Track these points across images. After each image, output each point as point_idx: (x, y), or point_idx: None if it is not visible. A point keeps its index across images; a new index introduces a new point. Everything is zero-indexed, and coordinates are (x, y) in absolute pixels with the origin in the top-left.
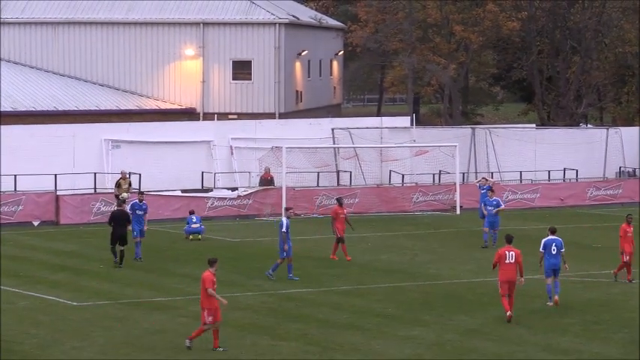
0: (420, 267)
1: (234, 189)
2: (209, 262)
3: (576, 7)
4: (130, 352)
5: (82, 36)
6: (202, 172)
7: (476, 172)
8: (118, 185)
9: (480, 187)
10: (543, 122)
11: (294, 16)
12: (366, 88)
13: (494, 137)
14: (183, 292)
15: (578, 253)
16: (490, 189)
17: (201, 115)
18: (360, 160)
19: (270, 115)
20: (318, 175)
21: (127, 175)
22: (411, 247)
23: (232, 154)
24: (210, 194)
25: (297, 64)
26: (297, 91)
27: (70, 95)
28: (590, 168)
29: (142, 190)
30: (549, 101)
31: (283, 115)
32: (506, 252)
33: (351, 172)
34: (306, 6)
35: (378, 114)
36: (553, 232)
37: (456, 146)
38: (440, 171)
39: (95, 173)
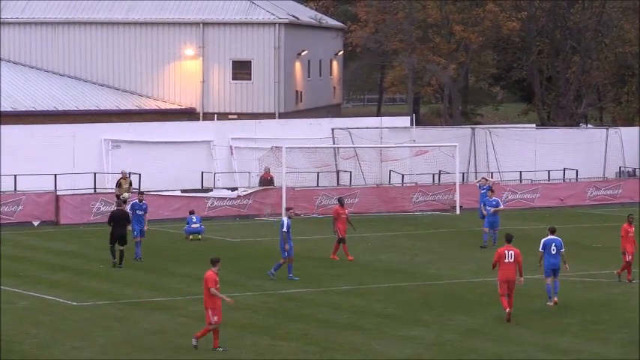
0: (420, 267)
1: (234, 189)
2: (212, 262)
3: (576, 7)
4: (130, 352)
5: (82, 36)
6: (202, 172)
7: (476, 172)
8: (118, 185)
9: (479, 187)
10: (543, 122)
11: (294, 16)
12: (366, 88)
13: (494, 137)
14: (183, 292)
15: (578, 253)
16: (490, 189)
17: (201, 115)
18: (360, 160)
19: (270, 115)
20: (318, 175)
21: (128, 175)
22: (411, 247)
23: (232, 154)
24: (210, 194)
25: (297, 64)
26: (297, 91)
27: (70, 95)
28: (590, 168)
29: (141, 190)
30: (549, 101)
31: (283, 115)
32: (506, 251)
33: (350, 172)
34: (306, 6)
35: (378, 114)
36: (552, 232)
37: (455, 146)
38: (440, 171)
39: (95, 173)
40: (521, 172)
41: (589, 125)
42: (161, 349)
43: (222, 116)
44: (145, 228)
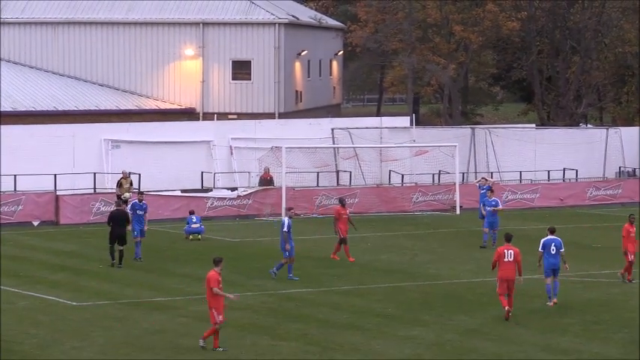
0: (420, 267)
1: (233, 189)
2: (214, 262)
3: (576, 7)
4: (129, 352)
5: (82, 36)
6: (202, 172)
7: (475, 172)
8: (119, 185)
9: (479, 187)
10: (543, 122)
11: (293, 16)
12: (366, 88)
13: (494, 137)
14: (183, 292)
15: (578, 253)
16: (490, 189)
17: (200, 115)
18: (360, 160)
19: (269, 115)
20: (318, 175)
21: (128, 175)
22: (411, 247)
23: (232, 154)
24: (209, 194)
25: (297, 64)
26: (296, 91)
27: (70, 95)
28: (590, 168)
29: (141, 190)
30: (549, 101)
31: (283, 115)
32: (505, 250)
33: (350, 172)
34: (306, 6)
35: (378, 114)
36: (552, 231)
37: (455, 146)
38: (440, 171)
39: (95, 173)
40: (521, 172)
41: (589, 125)
42: (161, 349)
43: (222, 116)
44: (145, 228)
